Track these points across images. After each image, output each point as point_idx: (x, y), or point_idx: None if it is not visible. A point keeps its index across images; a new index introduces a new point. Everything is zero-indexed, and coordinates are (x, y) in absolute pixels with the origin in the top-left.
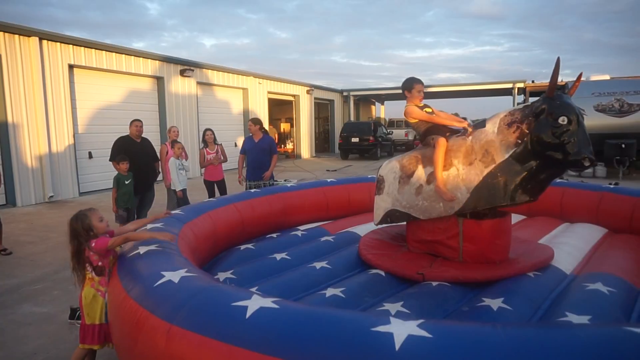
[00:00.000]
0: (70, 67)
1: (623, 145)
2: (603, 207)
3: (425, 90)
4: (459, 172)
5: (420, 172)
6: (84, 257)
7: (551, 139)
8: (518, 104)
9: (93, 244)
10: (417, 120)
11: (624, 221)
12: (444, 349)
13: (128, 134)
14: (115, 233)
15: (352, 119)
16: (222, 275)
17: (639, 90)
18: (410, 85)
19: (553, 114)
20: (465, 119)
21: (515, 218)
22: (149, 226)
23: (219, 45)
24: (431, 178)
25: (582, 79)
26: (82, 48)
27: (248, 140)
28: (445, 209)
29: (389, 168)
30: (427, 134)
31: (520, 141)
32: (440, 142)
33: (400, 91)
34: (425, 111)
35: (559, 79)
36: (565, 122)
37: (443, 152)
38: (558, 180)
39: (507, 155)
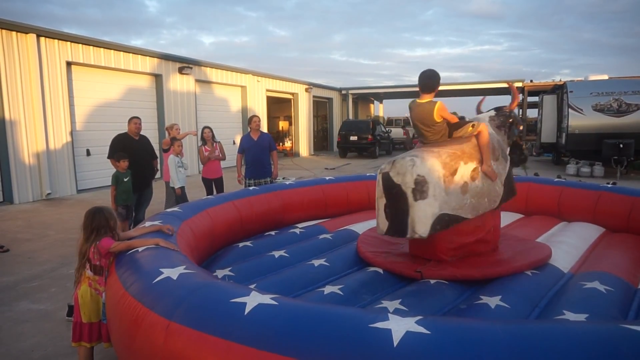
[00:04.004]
0: (68, 64)
1: (621, 145)
2: (601, 206)
3: None
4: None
5: (463, 169)
6: (89, 252)
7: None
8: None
9: (99, 242)
10: (442, 120)
11: (621, 220)
12: (442, 345)
13: (126, 131)
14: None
15: (350, 117)
16: (220, 273)
17: (637, 90)
18: (439, 82)
19: (518, 124)
20: (463, 117)
21: (513, 217)
22: (147, 223)
23: (218, 43)
24: (475, 174)
25: (581, 78)
26: (80, 45)
27: (246, 138)
28: (489, 204)
29: (429, 167)
30: (454, 129)
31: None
32: (484, 127)
33: (398, 90)
34: None
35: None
36: (521, 129)
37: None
38: (556, 179)
39: (508, 153)
